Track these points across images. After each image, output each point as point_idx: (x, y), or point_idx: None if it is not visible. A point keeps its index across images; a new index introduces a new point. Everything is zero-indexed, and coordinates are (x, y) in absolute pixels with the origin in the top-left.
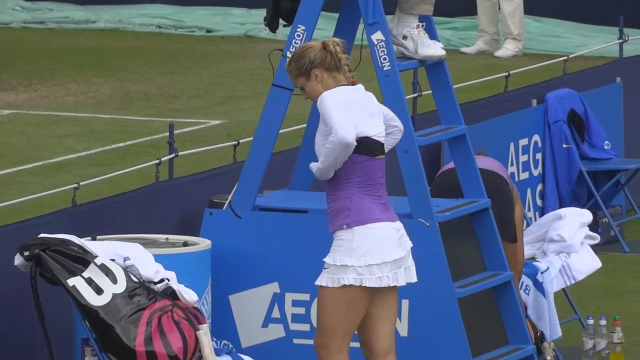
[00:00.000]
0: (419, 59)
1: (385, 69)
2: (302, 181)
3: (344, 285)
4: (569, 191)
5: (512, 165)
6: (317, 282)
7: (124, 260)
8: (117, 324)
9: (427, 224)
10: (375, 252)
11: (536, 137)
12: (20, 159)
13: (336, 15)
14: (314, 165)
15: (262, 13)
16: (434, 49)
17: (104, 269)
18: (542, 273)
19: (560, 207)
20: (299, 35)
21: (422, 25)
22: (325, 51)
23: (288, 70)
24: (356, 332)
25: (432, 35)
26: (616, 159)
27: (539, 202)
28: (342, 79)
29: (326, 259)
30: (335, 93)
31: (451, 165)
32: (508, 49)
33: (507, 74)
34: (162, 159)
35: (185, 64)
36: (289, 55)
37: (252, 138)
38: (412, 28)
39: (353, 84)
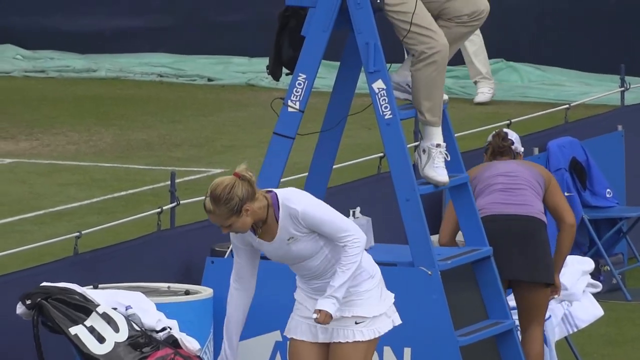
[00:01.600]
0: (422, 175)
1: (386, 117)
2: None
3: (379, 334)
4: None
5: None
6: (358, 338)
7: (126, 309)
8: None
9: (429, 272)
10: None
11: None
12: (22, 208)
13: (337, 63)
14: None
15: (263, 62)
16: (438, 175)
17: (106, 317)
18: (545, 321)
19: None
20: (300, 84)
21: (444, 146)
22: (245, 181)
23: (218, 214)
24: None
25: (454, 156)
26: (618, 207)
27: None
28: (261, 197)
29: (358, 313)
30: (307, 198)
31: (491, 210)
32: (484, 92)
33: (508, 122)
34: (164, 208)
35: (186, 113)
36: (290, 103)
37: None
38: (433, 146)
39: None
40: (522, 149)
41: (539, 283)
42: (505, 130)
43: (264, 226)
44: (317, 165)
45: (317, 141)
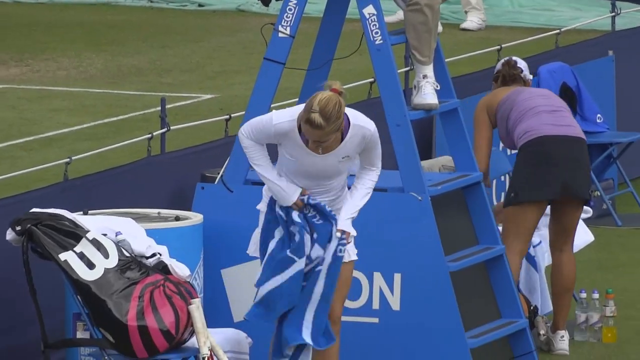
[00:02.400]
0: (412, 107)
1: (377, 42)
2: None
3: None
4: None
5: None
6: (353, 258)
7: (116, 235)
8: (109, 299)
9: (420, 198)
10: None
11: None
12: (12, 134)
13: None
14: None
15: None
16: (427, 100)
17: (96, 243)
18: (534, 247)
19: None
20: (290, 9)
21: (432, 76)
22: (344, 98)
23: (326, 131)
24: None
25: (444, 83)
26: (608, 132)
27: None
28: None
29: (351, 231)
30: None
31: (542, 131)
32: (472, 20)
33: (499, 47)
34: (154, 134)
35: (176, 38)
36: (280, 29)
37: (244, 112)
38: (421, 78)
39: None
40: (530, 77)
41: (582, 201)
42: (514, 58)
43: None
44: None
45: (304, 79)
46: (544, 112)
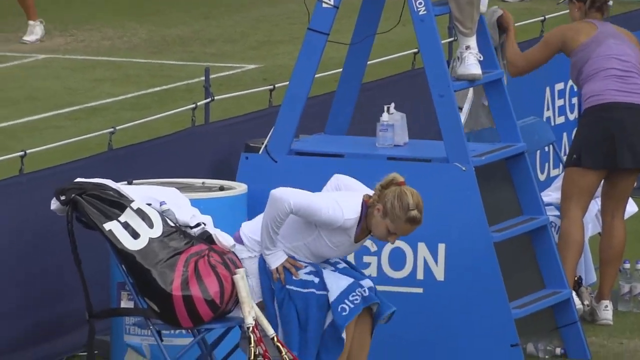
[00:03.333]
0: (456, 77)
1: (420, 13)
2: (338, 125)
3: None
4: None
5: (547, 109)
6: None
7: (160, 205)
8: (154, 268)
9: (464, 168)
10: None
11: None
12: (56, 103)
13: None
14: None
15: None
16: (470, 70)
17: (141, 213)
18: None
19: None
20: None
21: (475, 47)
22: None
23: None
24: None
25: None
26: None
27: None
28: None
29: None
30: None
31: (608, 97)
32: None
33: (543, 18)
34: (198, 104)
35: (220, 9)
36: (324, 0)
37: (288, 82)
38: (464, 49)
39: None
40: (610, 2)
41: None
42: None
43: (367, 232)
44: (346, 78)
45: (347, 52)
46: (614, 77)
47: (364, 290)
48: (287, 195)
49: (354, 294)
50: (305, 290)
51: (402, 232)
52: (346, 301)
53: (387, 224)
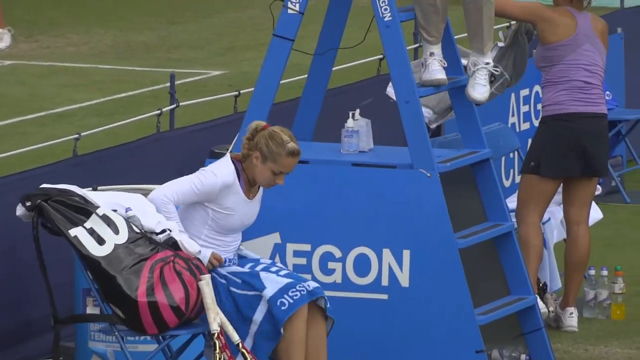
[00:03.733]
0: (421, 83)
1: (385, 19)
2: (303, 131)
3: None
4: None
5: (512, 115)
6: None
7: (126, 211)
8: (119, 275)
9: (428, 175)
10: None
11: (537, 88)
12: (22, 110)
13: None
14: None
15: None
16: (435, 75)
17: (106, 219)
18: (543, 224)
19: None
20: None
21: (440, 54)
22: None
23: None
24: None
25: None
26: (617, 109)
27: None
28: None
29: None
30: None
31: (566, 108)
32: None
33: (508, 24)
34: (163, 110)
35: (185, 15)
36: (289, 5)
37: (253, 89)
38: (428, 56)
39: None
40: None
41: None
42: None
43: (253, 185)
44: (311, 85)
45: (311, 62)
46: (577, 88)
47: (307, 285)
48: (158, 192)
49: (294, 289)
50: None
51: (286, 168)
52: (285, 296)
53: (271, 167)
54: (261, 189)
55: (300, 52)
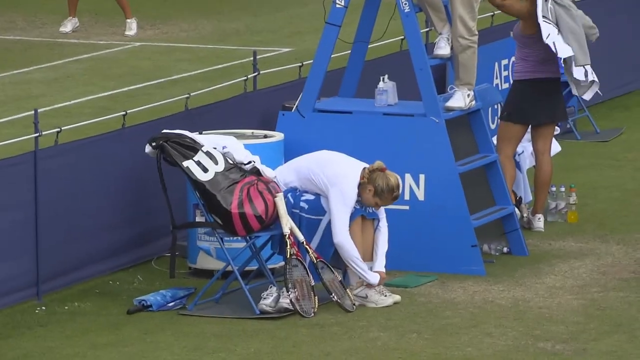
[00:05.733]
0: (432, 56)
1: (405, 10)
2: (348, 91)
3: None
4: None
5: (496, 78)
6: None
7: (223, 148)
8: (219, 193)
9: (437, 121)
10: None
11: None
12: (148, 77)
13: None
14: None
15: None
16: (442, 50)
17: (209, 154)
18: (518, 155)
19: None
20: None
21: (444, 34)
22: None
23: None
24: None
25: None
26: None
27: None
28: None
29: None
30: None
31: (532, 74)
32: None
33: (492, 14)
34: (249, 76)
35: (264, 9)
36: (337, 1)
37: (312, 61)
38: (438, 35)
39: None
40: None
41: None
42: None
43: None
44: (354, 58)
45: (353, 42)
46: (540, 61)
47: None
48: (338, 238)
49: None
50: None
51: (385, 204)
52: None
53: (377, 200)
54: None
55: (345, 35)
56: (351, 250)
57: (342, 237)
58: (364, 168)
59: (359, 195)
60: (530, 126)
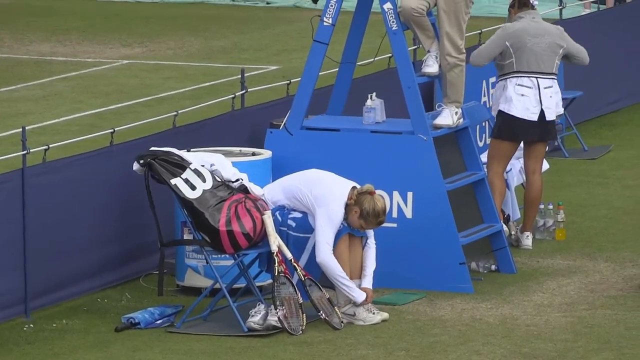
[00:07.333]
0: (420, 74)
1: (393, 28)
2: (335, 109)
3: None
4: None
5: (484, 96)
6: None
7: (211, 166)
8: (206, 211)
9: (425, 138)
10: None
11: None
12: (135, 95)
13: None
14: None
15: None
16: (429, 68)
17: (197, 172)
18: (507, 172)
19: None
20: (332, 5)
21: (434, 50)
22: None
23: None
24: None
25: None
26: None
27: None
28: None
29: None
30: None
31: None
32: None
33: (480, 31)
34: (236, 94)
35: (251, 27)
36: (325, 19)
37: (300, 78)
38: (426, 52)
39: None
40: (536, 2)
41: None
42: None
43: None
44: (341, 78)
45: (340, 60)
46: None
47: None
48: (321, 257)
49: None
50: (301, 235)
51: (370, 228)
52: None
53: (362, 223)
54: None
55: (332, 53)
56: (334, 268)
57: (325, 256)
58: (354, 187)
59: (345, 215)
60: (522, 144)
